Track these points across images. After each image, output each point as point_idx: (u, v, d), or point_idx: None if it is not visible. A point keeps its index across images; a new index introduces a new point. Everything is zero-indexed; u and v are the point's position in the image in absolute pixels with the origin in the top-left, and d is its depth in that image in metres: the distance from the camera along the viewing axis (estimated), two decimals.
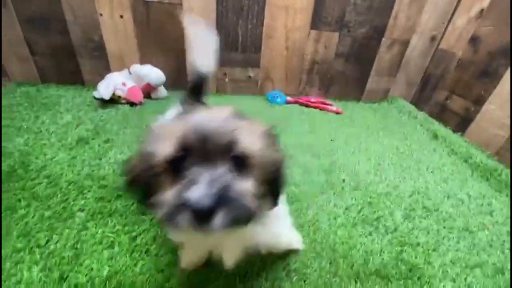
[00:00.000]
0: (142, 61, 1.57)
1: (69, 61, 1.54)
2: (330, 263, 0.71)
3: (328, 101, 1.76)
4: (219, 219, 0.33)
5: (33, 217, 0.75)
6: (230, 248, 0.53)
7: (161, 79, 1.52)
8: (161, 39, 1.54)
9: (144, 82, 1.50)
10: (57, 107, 1.35)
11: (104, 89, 1.38)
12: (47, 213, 0.77)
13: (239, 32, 1.58)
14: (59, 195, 0.83)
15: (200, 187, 0.33)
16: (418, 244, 0.80)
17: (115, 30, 1.48)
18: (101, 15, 1.43)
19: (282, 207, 0.57)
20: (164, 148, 0.38)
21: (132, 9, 1.44)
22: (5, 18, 1.40)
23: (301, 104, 1.74)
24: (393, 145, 1.37)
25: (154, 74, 1.50)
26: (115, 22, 1.46)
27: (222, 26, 1.55)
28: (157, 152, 0.38)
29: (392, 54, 1.78)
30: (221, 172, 0.36)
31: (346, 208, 0.91)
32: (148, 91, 1.55)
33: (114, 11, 1.43)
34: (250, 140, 0.39)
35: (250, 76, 1.75)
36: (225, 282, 0.64)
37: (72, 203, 0.81)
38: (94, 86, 1.45)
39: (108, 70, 1.55)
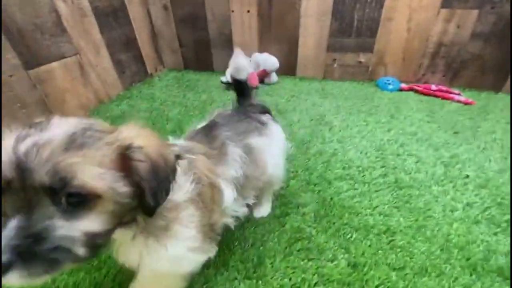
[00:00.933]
0: (261, 50, 1.77)
1: (205, 52, 1.90)
2: (442, 250, 0.70)
3: (454, 90, 1.53)
4: (13, 274, 0.29)
5: None
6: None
7: (276, 65, 1.69)
8: (278, 29, 1.70)
9: (261, 69, 1.70)
10: (196, 88, 1.71)
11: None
12: None
13: (355, 17, 1.56)
14: None
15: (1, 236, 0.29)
16: None
17: (241, 24, 1.73)
18: (232, 11, 1.69)
19: (185, 231, 0.48)
20: None
21: (258, 3, 1.63)
22: (165, 19, 1.84)
23: (418, 92, 1.58)
24: None
25: (270, 61, 1.68)
26: (242, 17, 1.70)
27: (337, 12, 1.56)
28: None
29: None
30: (39, 217, 0.31)
31: (467, 204, 0.84)
32: (263, 77, 1.75)
33: (243, 7, 1.66)
34: (91, 173, 0.32)
35: (360, 62, 1.71)
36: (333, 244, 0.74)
37: None
38: (221, 72, 1.75)
39: None
